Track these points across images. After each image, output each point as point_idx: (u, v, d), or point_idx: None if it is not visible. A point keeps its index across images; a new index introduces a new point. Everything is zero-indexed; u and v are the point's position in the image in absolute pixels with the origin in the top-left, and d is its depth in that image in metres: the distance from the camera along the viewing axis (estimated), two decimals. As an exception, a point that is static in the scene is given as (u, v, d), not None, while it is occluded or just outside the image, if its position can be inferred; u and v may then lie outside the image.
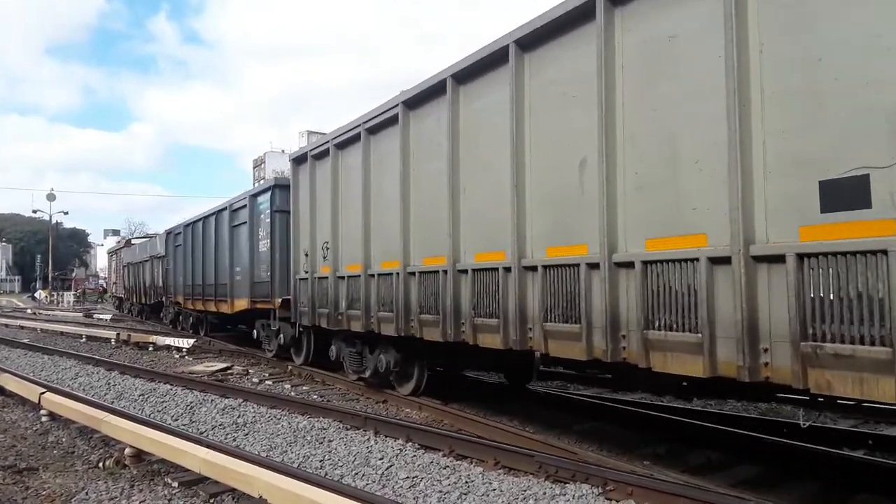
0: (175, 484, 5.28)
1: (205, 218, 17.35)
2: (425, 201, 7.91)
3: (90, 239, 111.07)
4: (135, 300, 29.55)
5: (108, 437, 6.52)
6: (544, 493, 4.96)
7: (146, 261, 26.15)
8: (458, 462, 5.91)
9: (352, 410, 8.05)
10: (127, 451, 5.94)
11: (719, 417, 7.63)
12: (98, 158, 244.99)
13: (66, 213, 63.02)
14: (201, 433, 7.08)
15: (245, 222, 13.96)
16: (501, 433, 6.92)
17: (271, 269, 12.48)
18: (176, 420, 7.90)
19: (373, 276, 8.93)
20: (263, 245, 12.98)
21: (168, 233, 21.87)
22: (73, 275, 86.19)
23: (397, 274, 8.28)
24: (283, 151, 79.93)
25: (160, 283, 23.16)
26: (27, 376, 10.09)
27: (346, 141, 9.75)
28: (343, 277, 9.75)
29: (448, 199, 7.29)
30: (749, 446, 6.40)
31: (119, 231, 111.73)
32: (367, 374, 9.72)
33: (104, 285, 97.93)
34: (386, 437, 6.85)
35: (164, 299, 22.85)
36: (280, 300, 12.09)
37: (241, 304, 14.11)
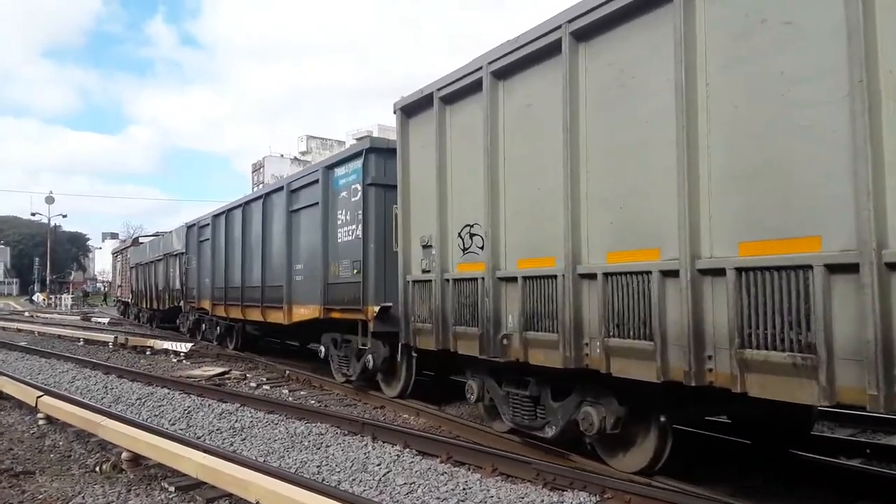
0: (172, 489, 5.27)
1: (245, 204, 14.25)
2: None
3: (89, 243, 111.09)
4: (144, 305, 26.23)
5: (106, 441, 6.51)
6: (542, 501, 4.96)
7: (158, 260, 23.17)
8: (455, 468, 5.90)
9: (349, 416, 8.04)
10: (124, 455, 5.93)
11: (717, 425, 7.62)
12: (94, 161, 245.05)
13: (65, 216, 63.04)
14: (198, 438, 7.07)
15: (313, 204, 10.64)
16: (499, 440, 6.91)
17: (363, 265, 9.00)
18: (173, 424, 7.88)
19: (588, 276, 5.52)
20: (347, 233, 9.55)
21: (190, 226, 18.40)
22: (72, 278, 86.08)
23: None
24: (282, 156, 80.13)
25: (177, 286, 20.25)
26: (24, 379, 10.08)
27: (524, 61, 6.24)
28: (513, 279, 6.33)
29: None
30: (749, 456, 6.39)
31: (117, 234, 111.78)
32: (552, 432, 6.23)
33: (102, 288, 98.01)
34: (384, 442, 6.84)
35: (181, 304, 19.66)
36: (377, 308, 8.84)
37: (306, 312, 10.91)
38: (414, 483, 5.45)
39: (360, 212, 9.12)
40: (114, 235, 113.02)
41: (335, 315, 9.96)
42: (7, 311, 38.93)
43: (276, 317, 12.12)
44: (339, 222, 9.79)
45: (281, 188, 12.19)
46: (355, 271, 9.22)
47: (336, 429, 7.49)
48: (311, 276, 10.71)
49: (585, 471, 5.60)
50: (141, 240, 31.13)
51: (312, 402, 9.59)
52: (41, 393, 8.27)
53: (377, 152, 9.14)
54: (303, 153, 78.77)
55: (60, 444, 7.02)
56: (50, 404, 7.79)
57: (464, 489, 5.28)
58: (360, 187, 9.18)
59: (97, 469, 5.88)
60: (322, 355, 11.04)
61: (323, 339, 11.02)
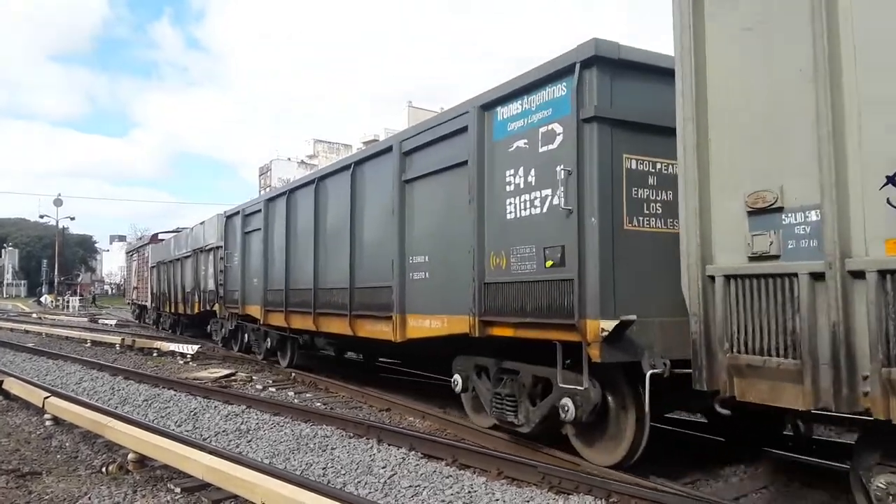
0: (178, 490, 5.28)
1: (319, 180, 10.88)
2: None
3: (97, 245, 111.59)
4: (166, 309, 22.89)
5: (112, 442, 6.53)
6: (547, 504, 4.94)
7: (185, 257, 20.09)
8: (460, 471, 5.90)
9: (355, 418, 8.04)
10: (130, 456, 5.96)
11: (723, 430, 7.58)
12: (101, 164, 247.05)
13: (73, 219, 63.06)
14: (205, 439, 7.08)
15: (450, 167, 7.33)
16: (504, 443, 6.90)
17: (579, 252, 5.54)
18: (179, 426, 7.90)
19: None
20: (530, 204, 6.18)
21: (230, 215, 15.57)
22: (79, 280, 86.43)
23: None
24: (289, 159, 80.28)
25: (210, 287, 17.21)
26: (31, 380, 10.12)
27: None
28: None
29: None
30: (753, 459, 6.36)
31: (125, 237, 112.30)
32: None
33: (109, 290, 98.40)
34: (389, 445, 6.84)
35: (216, 309, 16.57)
36: (610, 325, 5.30)
37: (436, 325, 7.51)
38: (419, 486, 5.44)
39: (565, 167, 5.60)
40: (121, 238, 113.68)
41: (502, 332, 6.50)
42: (15, 313, 39.12)
43: (378, 330, 8.71)
44: (510, 188, 6.39)
45: (385, 150, 8.68)
46: (550, 263, 5.84)
47: (341, 431, 7.49)
48: (444, 273, 7.39)
49: (591, 474, 5.58)
50: (161, 235, 27.22)
51: (318, 404, 9.60)
52: (48, 394, 8.31)
53: (604, 66, 5.54)
54: (310, 156, 78.93)
55: (67, 444, 7.04)
56: (57, 405, 7.82)
57: (469, 492, 5.28)
58: (561, 128, 5.83)
59: (103, 470, 5.90)
60: (457, 389, 7.59)
61: (457, 366, 7.63)
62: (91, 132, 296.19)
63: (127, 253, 38.13)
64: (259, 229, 13.32)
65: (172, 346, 15.97)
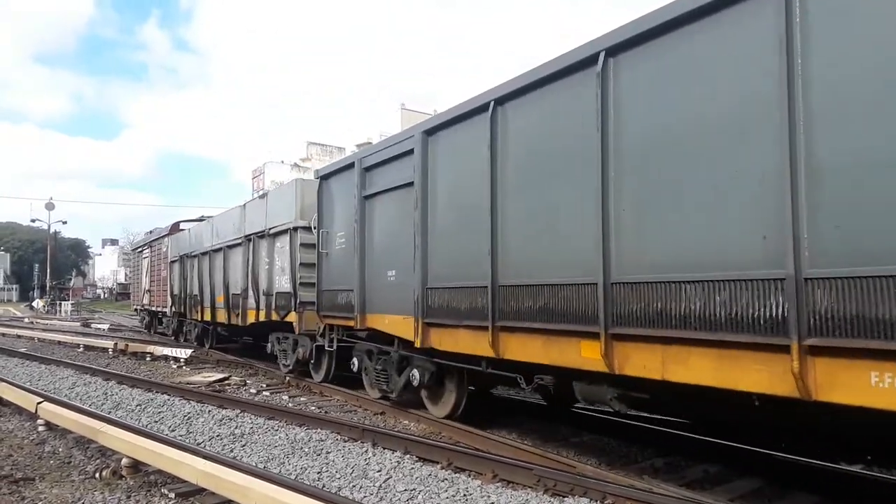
0: (172, 495, 5.26)
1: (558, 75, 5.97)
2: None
3: (90, 249, 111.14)
4: (195, 316, 17.91)
5: (105, 447, 6.49)
6: (543, 507, 4.94)
7: (232, 246, 14.78)
8: (456, 475, 5.89)
9: (350, 422, 8.03)
10: (124, 461, 5.92)
11: (717, 430, 7.61)
12: (90, 166, 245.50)
13: (66, 223, 62.85)
14: (199, 444, 7.05)
15: None
16: (499, 446, 6.90)
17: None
18: (173, 431, 7.87)
19: None
20: None
21: (329, 175, 10.53)
22: (71, 284, 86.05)
23: None
24: (282, 162, 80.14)
25: (280, 287, 12.27)
26: (24, 385, 10.06)
27: None
28: None
29: None
30: (747, 460, 6.39)
31: (117, 240, 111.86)
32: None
33: (102, 294, 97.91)
34: (384, 448, 6.84)
35: (294, 320, 11.58)
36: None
37: None
38: (414, 489, 5.44)
39: None
40: (113, 242, 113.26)
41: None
42: (7, 318, 38.90)
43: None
44: None
45: None
46: None
47: (336, 435, 7.48)
48: None
49: (586, 476, 5.59)
50: (183, 225, 21.82)
51: (313, 408, 9.58)
52: (41, 399, 8.26)
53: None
54: (303, 159, 78.82)
55: (60, 450, 7.00)
56: (50, 410, 7.78)
57: (464, 495, 5.27)
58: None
59: (97, 475, 5.87)
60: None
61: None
62: (79, 134, 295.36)
63: (133, 250, 31.35)
64: (404, 186, 8.31)
65: (166, 351, 15.90)
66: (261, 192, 14.31)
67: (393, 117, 61.32)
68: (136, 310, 30.01)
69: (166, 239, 21.96)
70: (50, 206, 59.54)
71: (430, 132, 7.92)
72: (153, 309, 24.11)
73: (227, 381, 12.07)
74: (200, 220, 20.93)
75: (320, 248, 10.49)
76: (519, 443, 7.15)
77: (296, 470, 6.11)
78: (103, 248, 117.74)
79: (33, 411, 8.06)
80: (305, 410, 9.13)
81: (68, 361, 14.52)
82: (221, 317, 15.58)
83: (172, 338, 20.95)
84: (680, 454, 6.72)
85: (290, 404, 9.83)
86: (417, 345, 7.84)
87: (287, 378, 12.10)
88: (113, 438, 6.29)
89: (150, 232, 27.04)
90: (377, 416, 9.01)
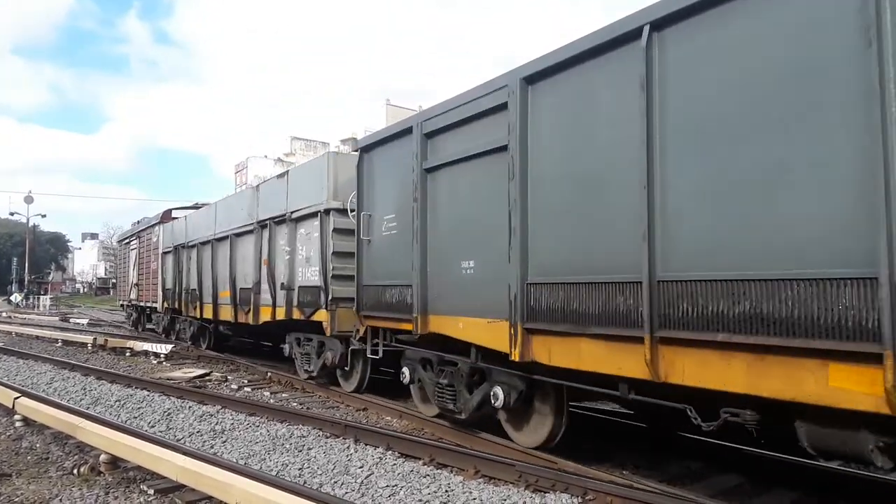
0: (151, 491, 5.21)
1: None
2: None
3: (70, 244, 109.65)
4: (192, 312, 16.18)
5: (84, 443, 6.42)
6: (524, 502, 4.96)
7: (241, 234, 13.03)
8: (438, 471, 5.89)
9: (331, 418, 8.00)
10: (102, 457, 5.86)
11: (698, 427, 7.66)
12: (71, 160, 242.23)
13: (45, 216, 61.99)
14: (179, 440, 6.99)
15: None
16: (482, 442, 6.91)
17: None
18: (153, 427, 7.79)
19: None
20: None
21: (372, 145, 8.69)
22: (50, 278, 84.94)
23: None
24: (265, 156, 79.64)
25: (306, 280, 10.40)
26: (1, 381, 9.92)
27: None
28: None
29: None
30: (729, 457, 6.44)
31: (97, 234, 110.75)
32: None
33: (81, 289, 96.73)
34: (366, 445, 6.82)
35: (325, 319, 9.71)
36: None
37: None
38: (396, 485, 5.43)
39: None
40: (93, 236, 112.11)
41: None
42: (-16, 312, 38.34)
43: None
44: None
45: None
46: None
47: (318, 431, 7.45)
48: None
49: (567, 472, 5.61)
50: (176, 213, 20.14)
51: (294, 404, 9.53)
52: (18, 394, 8.14)
53: None
54: (287, 154, 78.38)
55: (38, 446, 6.91)
56: (27, 406, 7.67)
57: (446, 491, 5.27)
58: None
59: (75, 471, 5.80)
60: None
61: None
62: (59, 128, 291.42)
63: (120, 241, 28.39)
64: (489, 152, 6.53)
65: (146, 346, 15.75)
66: (280, 173, 11.82)
67: (379, 113, 61.10)
68: (122, 305, 28.00)
69: (157, 228, 19.90)
70: (29, 200, 58.70)
71: (532, 79, 5.94)
72: (142, 304, 22.16)
73: (208, 377, 11.98)
74: (196, 207, 19.32)
75: (361, 234, 8.50)
76: (501, 439, 7.15)
77: (277, 466, 6.07)
78: (83, 242, 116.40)
79: (10, 406, 7.94)
80: (287, 406, 9.09)
81: (46, 356, 14.35)
82: (226, 314, 13.89)
83: (163, 336, 19.37)
84: (661, 451, 6.76)
85: (271, 400, 9.77)
86: (515, 358, 5.91)
87: (303, 385, 10.90)
88: (91, 434, 6.22)
89: (139, 222, 24.55)
90: (359, 413, 8.98)
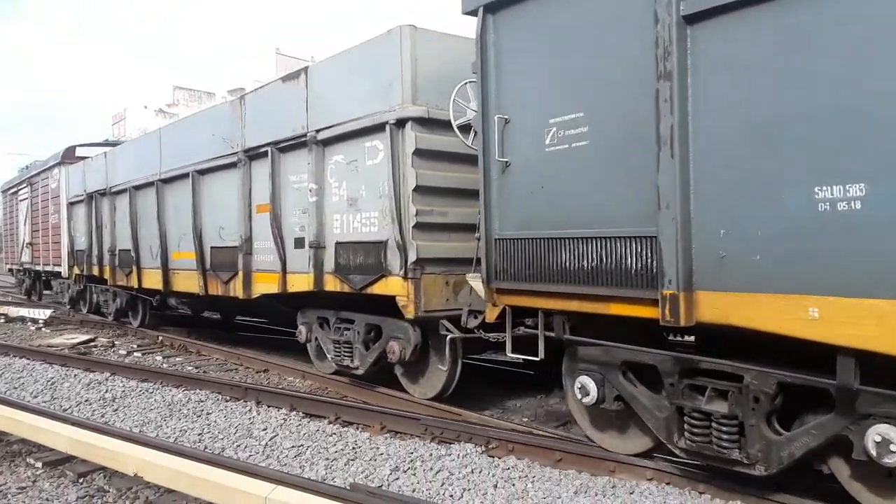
0: (39, 464, 4.93)
1: None
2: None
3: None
4: (119, 281, 12.53)
5: (-44, 418, 5.96)
6: (430, 455, 5.06)
7: (207, 170, 9.49)
8: (344, 428, 5.90)
9: (231, 381, 7.82)
10: (-21, 432, 5.48)
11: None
12: None
13: None
14: (65, 410, 6.65)
15: None
16: (387, 398, 6.97)
17: None
18: (36, 397, 7.34)
19: None
20: None
21: (494, 6, 5.05)
22: None
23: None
24: (145, 107, 75.05)
25: (366, 231, 6.78)
26: None
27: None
28: None
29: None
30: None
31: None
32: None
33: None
34: (269, 406, 6.71)
35: (392, 284, 6.43)
36: None
37: None
38: (302, 445, 5.40)
39: None
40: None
41: None
42: None
43: None
44: None
45: None
46: None
47: (217, 395, 7.25)
48: None
49: (472, 423, 5.77)
50: (81, 151, 15.90)
51: (190, 368, 9.24)
52: None
53: None
54: (169, 105, 74.19)
55: None
56: None
57: (353, 448, 5.30)
58: None
59: (-52, 449, 5.40)
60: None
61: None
62: None
63: (5, 191, 23.30)
64: None
65: (22, 311, 14.73)
66: (289, 73, 7.97)
67: (266, 64, 58.57)
68: (11, 270, 23.58)
69: (58, 171, 15.83)
70: None
71: None
72: (37, 268, 18.29)
73: (93, 343, 11.37)
74: (108, 144, 16.16)
75: (495, 154, 5.15)
76: (405, 395, 7.24)
77: (174, 433, 5.89)
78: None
79: None
80: (182, 371, 8.79)
81: None
82: (186, 284, 10.19)
83: (69, 308, 15.83)
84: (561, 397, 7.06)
85: (164, 365, 9.42)
86: None
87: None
88: (-35, 409, 5.79)
89: (27, 167, 20.46)
90: (260, 374, 8.82)
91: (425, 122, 6.30)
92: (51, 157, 17.25)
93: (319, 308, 7.78)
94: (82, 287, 15.16)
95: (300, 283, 7.59)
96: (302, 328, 8.01)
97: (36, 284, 19.79)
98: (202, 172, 9.62)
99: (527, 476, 4.65)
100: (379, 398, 7.03)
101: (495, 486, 4.48)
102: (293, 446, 5.38)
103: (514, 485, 4.50)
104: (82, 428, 5.14)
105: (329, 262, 7.22)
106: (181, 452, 4.59)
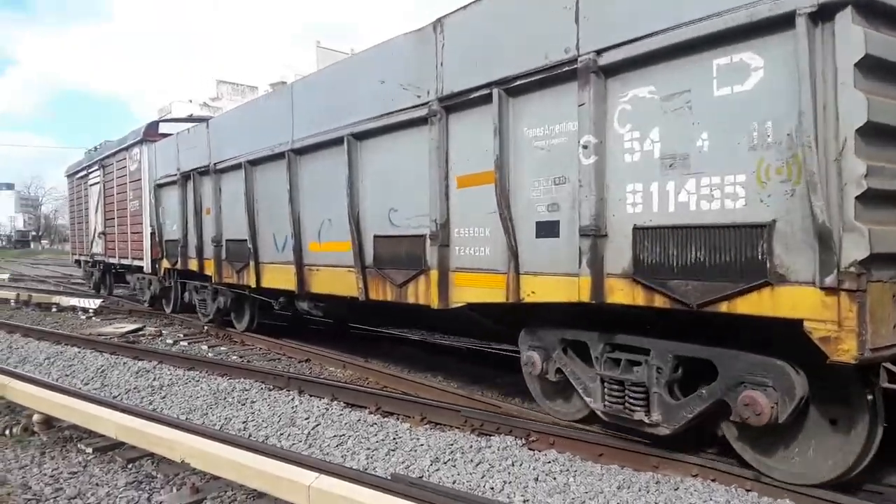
0: (89, 450, 5.07)
1: None
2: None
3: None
4: (227, 277, 10.16)
5: (14, 403, 6.17)
6: (470, 447, 5.06)
7: (366, 132, 6.80)
8: (384, 419, 5.94)
9: (274, 370, 7.93)
10: (35, 417, 5.64)
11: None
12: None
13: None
14: (115, 397, 6.82)
15: None
16: (427, 389, 6.99)
17: None
18: (87, 384, 7.56)
19: None
20: None
21: None
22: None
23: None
24: (190, 101, 76.39)
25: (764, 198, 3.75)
26: (-84, 341, 9.41)
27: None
28: None
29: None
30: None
31: (12, 185, 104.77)
32: None
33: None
34: (311, 396, 6.80)
35: None
36: None
37: None
38: (343, 435, 5.45)
39: None
40: (9, 186, 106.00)
41: None
42: None
43: None
44: None
45: None
46: None
47: (261, 384, 7.37)
48: None
49: (511, 416, 5.75)
50: (164, 127, 13.97)
51: (234, 357, 9.40)
52: (-63, 355, 7.74)
53: None
54: (213, 99, 75.39)
55: (-38, 408, 6.61)
56: (-52, 367, 7.31)
57: (394, 438, 5.33)
58: None
59: (7, 433, 5.58)
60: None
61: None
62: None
63: (71, 175, 20.49)
64: None
65: (73, 301, 15.16)
66: None
67: (308, 57, 59.12)
68: (77, 262, 21.05)
69: (138, 150, 13.63)
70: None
71: None
72: (111, 261, 16.22)
73: (141, 332, 11.65)
74: (197, 120, 13.49)
75: None
76: (446, 385, 7.26)
77: (220, 420, 6.00)
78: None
79: (-71, 368, 7.54)
80: (227, 360, 8.95)
81: (-35, 314, 13.65)
82: (330, 284, 7.73)
83: (147, 306, 14.50)
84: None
85: (209, 354, 9.61)
86: None
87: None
88: (21, 393, 5.99)
89: (96, 148, 18.13)
90: (302, 364, 8.93)
91: (878, 10, 3.57)
92: (129, 134, 14.68)
93: (560, 327, 5.40)
94: (169, 284, 13.27)
95: (552, 289, 4.99)
96: (534, 355, 5.55)
97: (106, 278, 17.99)
98: (360, 136, 7.00)
99: (568, 470, 4.62)
100: (418, 388, 7.05)
101: (536, 480, 4.45)
102: (335, 436, 5.43)
103: (555, 478, 4.46)
104: (131, 415, 5.26)
105: (619, 259, 4.55)
106: (227, 440, 4.67)
